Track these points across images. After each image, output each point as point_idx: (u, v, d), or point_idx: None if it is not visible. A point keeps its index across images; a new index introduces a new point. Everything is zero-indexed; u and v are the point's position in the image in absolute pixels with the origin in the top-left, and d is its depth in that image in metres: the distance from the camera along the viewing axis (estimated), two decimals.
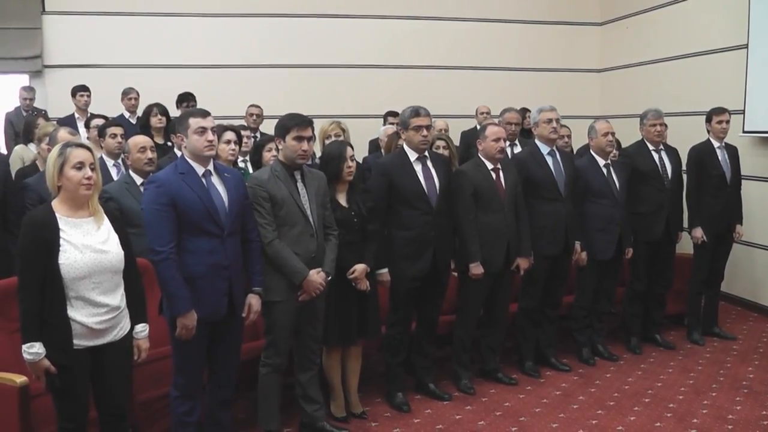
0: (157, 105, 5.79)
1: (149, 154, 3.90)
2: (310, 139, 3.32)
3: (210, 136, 2.95)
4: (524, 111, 6.12)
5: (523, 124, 5.78)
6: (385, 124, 6.21)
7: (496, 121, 5.26)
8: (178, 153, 3.83)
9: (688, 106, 6.29)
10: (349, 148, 3.62)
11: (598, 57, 8.17)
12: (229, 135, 3.87)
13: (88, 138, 5.15)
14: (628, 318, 4.98)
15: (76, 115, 6.28)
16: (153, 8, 7.21)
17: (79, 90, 6.31)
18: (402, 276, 3.80)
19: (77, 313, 2.51)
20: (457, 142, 5.38)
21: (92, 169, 2.56)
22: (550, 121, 4.32)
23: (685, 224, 5.06)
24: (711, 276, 5.11)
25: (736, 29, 5.89)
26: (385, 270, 3.77)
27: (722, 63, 6.15)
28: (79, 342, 2.52)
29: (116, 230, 2.65)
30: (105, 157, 4.37)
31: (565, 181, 4.33)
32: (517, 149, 5.17)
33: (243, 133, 4.42)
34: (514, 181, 4.16)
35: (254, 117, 6.42)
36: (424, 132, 3.80)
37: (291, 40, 7.47)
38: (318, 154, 4.24)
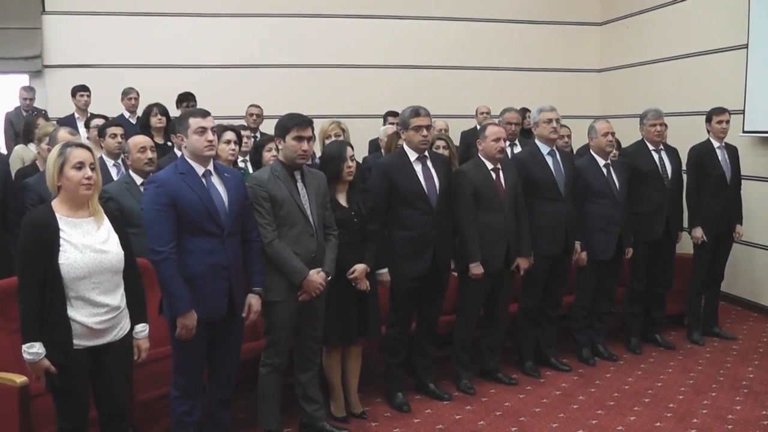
0: (157, 105, 5.79)
1: (149, 154, 3.90)
2: (310, 139, 3.32)
3: (210, 136, 2.94)
4: (524, 111, 6.12)
5: (523, 124, 5.78)
6: (385, 124, 6.21)
7: (496, 121, 5.26)
8: (178, 153, 3.83)
9: (688, 106, 6.29)
10: (349, 148, 3.62)
11: (598, 57, 8.17)
12: (229, 135, 3.87)
13: (88, 138, 5.15)
14: (628, 318, 4.98)
15: (76, 115, 6.28)
16: (153, 8, 7.22)
17: (79, 90, 6.31)
18: (402, 276, 3.80)
19: (77, 313, 2.51)
20: (457, 142, 5.38)
21: (92, 169, 2.56)
22: (550, 121, 4.32)
23: (685, 224, 5.06)
24: (711, 276, 5.11)
25: (736, 29, 5.89)
26: (385, 270, 3.77)
27: (722, 63, 6.15)
28: (79, 342, 2.52)
29: (116, 230, 2.65)
30: (105, 157, 4.37)
31: (565, 181, 4.33)
32: (517, 149, 5.17)
33: (243, 133, 4.42)
34: (514, 181, 4.16)
35: (254, 117, 6.42)
36: (424, 132, 3.80)
37: (291, 40, 7.47)
38: (318, 154, 4.23)
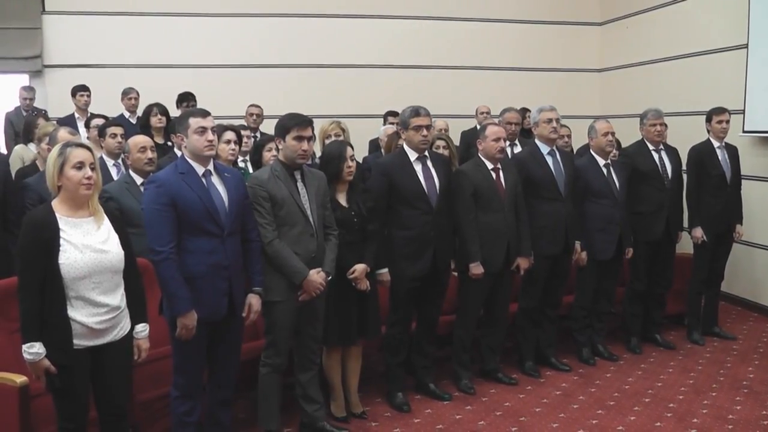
0: (157, 105, 5.80)
1: (149, 154, 3.90)
2: (310, 138, 3.32)
3: (210, 135, 2.94)
4: (524, 111, 6.12)
5: (523, 124, 5.78)
6: (385, 124, 6.21)
7: (496, 120, 5.26)
8: (178, 153, 3.83)
9: (688, 106, 6.29)
10: (349, 148, 3.62)
11: (598, 57, 8.17)
12: (229, 135, 3.87)
13: (88, 138, 5.15)
14: (628, 318, 4.98)
15: (76, 115, 6.28)
16: (153, 8, 7.21)
17: (79, 90, 6.31)
18: (402, 276, 3.80)
19: (77, 313, 2.51)
20: (457, 142, 5.38)
21: (92, 169, 2.56)
22: (550, 120, 4.32)
23: (685, 224, 5.06)
24: (711, 276, 5.10)
25: (736, 29, 5.89)
26: (385, 270, 3.77)
27: (722, 63, 6.15)
28: (79, 342, 2.52)
29: (116, 230, 2.65)
30: (105, 157, 4.37)
31: (565, 181, 4.33)
32: (517, 149, 5.17)
33: (243, 132, 4.42)
34: (514, 180, 4.16)
35: (254, 117, 6.42)
36: (424, 132, 3.80)
37: (291, 40, 7.47)
38: (318, 153, 4.24)
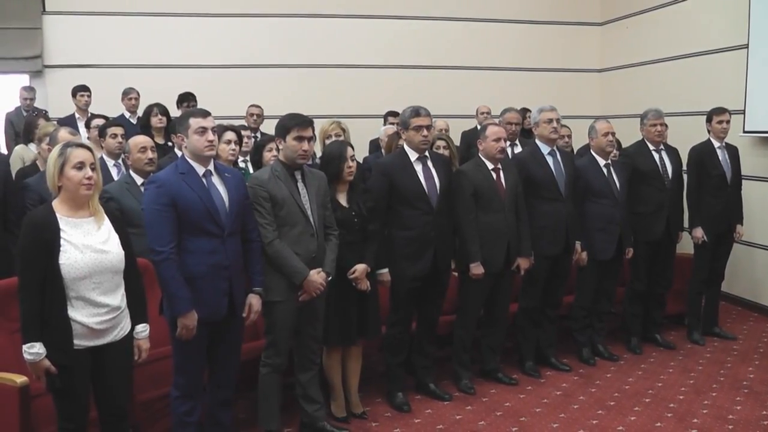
0: (158, 105, 5.79)
1: (150, 154, 3.90)
2: (311, 139, 3.32)
3: (210, 136, 2.95)
4: (524, 111, 6.12)
5: (523, 124, 5.78)
6: (385, 124, 6.22)
7: (496, 121, 5.25)
8: (179, 153, 3.83)
9: (688, 106, 6.29)
10: (349, 148, 3.62)
11: (598, 57, 8.17)
12: (230, 135, 3.87)
13: (88, 138, 5.15)
14: (628, 318, 4.98)
15: (77, 115, 6.29)
16: (153, 8, 7.21)
17: (80, 90, 6.31)
18: (402, 276, 3.80)
19: (78, 314, 2.51)
20: (457, 142, 5.38)
21: (93, 169, 2.56)
22: (550, 121, 4.32)
23: (686, 224, 5.06)
24: (711, 276, 5.11)
25: (736, 29, 5.89)
26: (386, 270, 3.77)
27: (722, 63, 6.15)
28: (79, 342, 2.52)
29: (117, 230, 2.65)
30: (105, 157, 4.37)
31: (565, 181, 4.33)
32: (518, 149, 5.17)
33: (243, 133, 4.42)
34: (515, 181, 4.16)
35: (254, 117, 6.42)
36: (425, 132, 3.80)
37: (291, 40, 7.47)
38: (318, 154, 4.24)
